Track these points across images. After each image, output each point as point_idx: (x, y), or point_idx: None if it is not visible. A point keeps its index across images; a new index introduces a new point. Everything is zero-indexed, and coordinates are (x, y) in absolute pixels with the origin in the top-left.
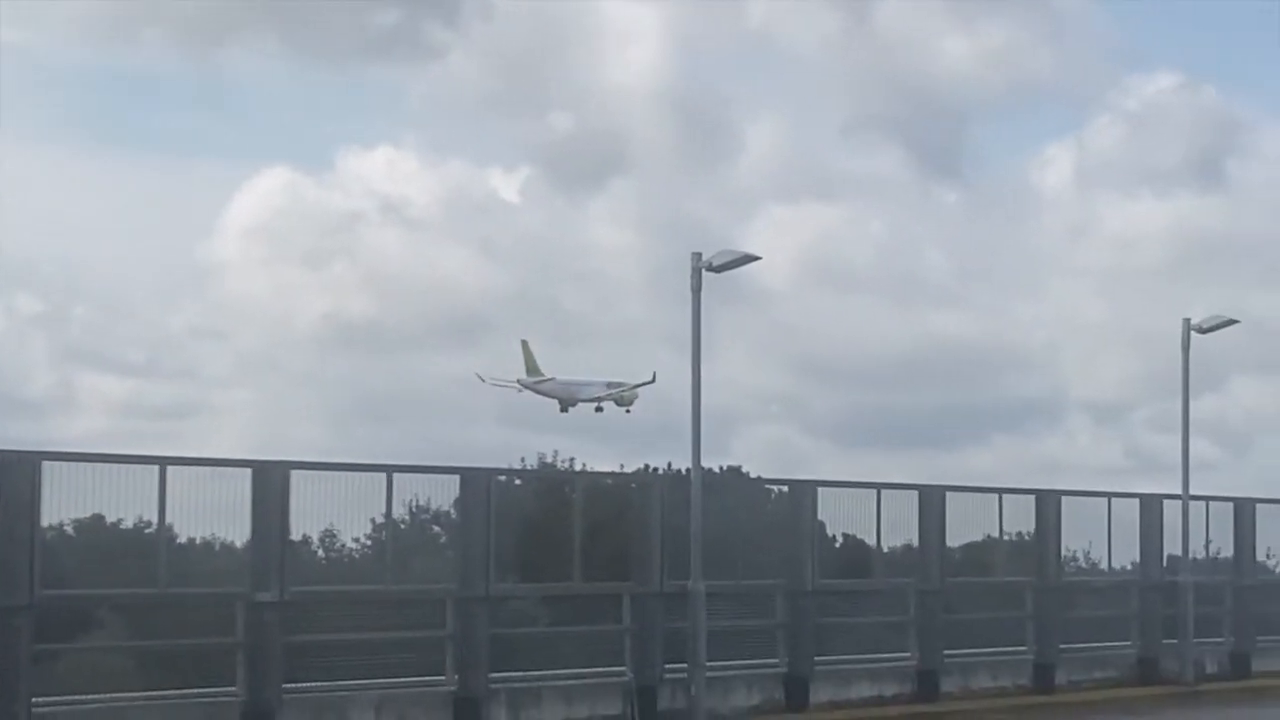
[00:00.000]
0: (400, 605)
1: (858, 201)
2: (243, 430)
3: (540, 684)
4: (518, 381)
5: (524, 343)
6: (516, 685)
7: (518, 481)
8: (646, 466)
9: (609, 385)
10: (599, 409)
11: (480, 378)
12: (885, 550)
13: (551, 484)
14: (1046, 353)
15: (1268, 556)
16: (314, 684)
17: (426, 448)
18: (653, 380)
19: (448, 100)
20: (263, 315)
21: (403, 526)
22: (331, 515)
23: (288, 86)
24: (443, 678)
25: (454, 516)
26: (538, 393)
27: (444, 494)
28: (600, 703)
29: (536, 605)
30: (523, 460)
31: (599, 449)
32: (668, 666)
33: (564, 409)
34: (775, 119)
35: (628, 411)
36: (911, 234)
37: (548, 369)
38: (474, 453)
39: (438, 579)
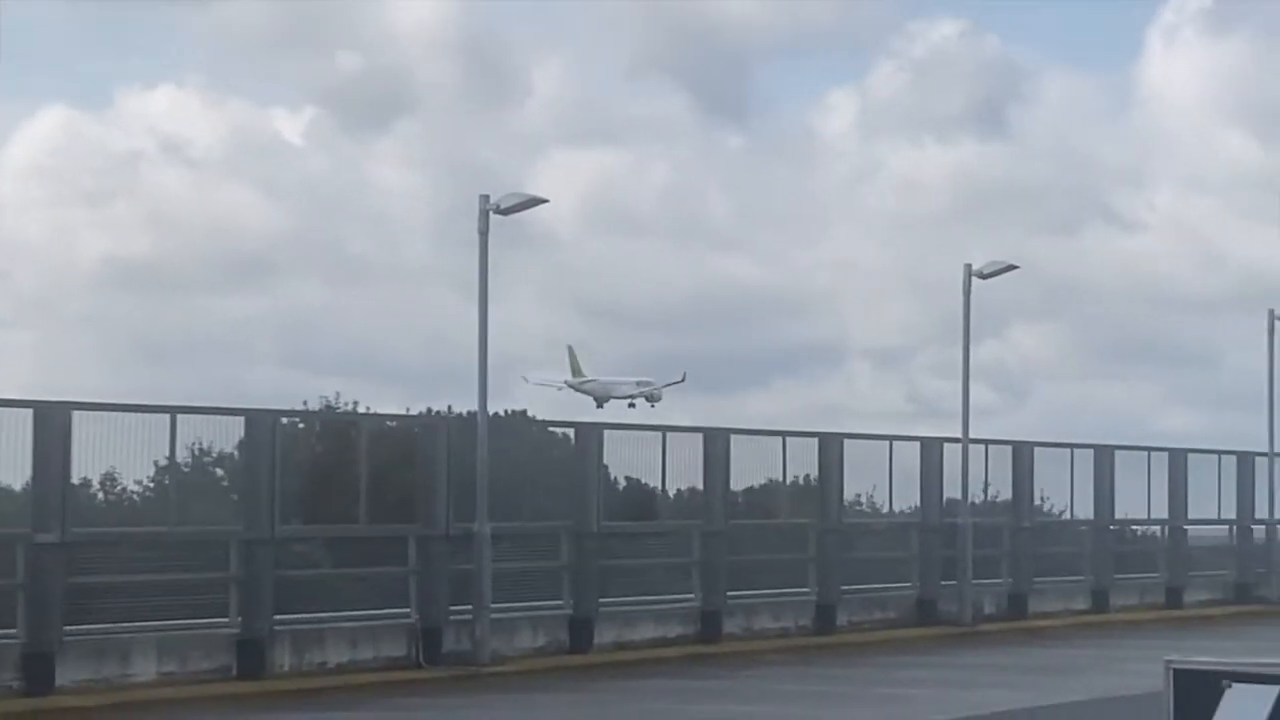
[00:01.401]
0: (183, 547)
1: (643, 145)
2: (23, 372)
3: (325, 626)
4: (565, 383)
5: (570, 348)
6: (301, 627)
7: (302, 424)
8: (429, 410)
9: (638, 384)
10: (631, 405)
11: (525, 378)
12: (670, 493)
13: (337, 426)
14: (829, 297)
15: (1043, 500)
16: (95, 626)
17: (208, 390)
18: (682, 380)
19: (231, 39)
20: (42, 255)
21: (185, 469)
22: (113, 457)
23: (66, 24)
24: (226, 620)
25: (238, 459)
26: (580, 391)
27: (228, 436)
28: (385, 645)
29: (321, 548)
30: (305, 403)
31: (382, 391)
32: (453, 608)
33: (599, 405)
34: (561, 61)
35: (652, 406)
36: (696, 178)
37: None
38: (256, 395)
39: (221, 521)
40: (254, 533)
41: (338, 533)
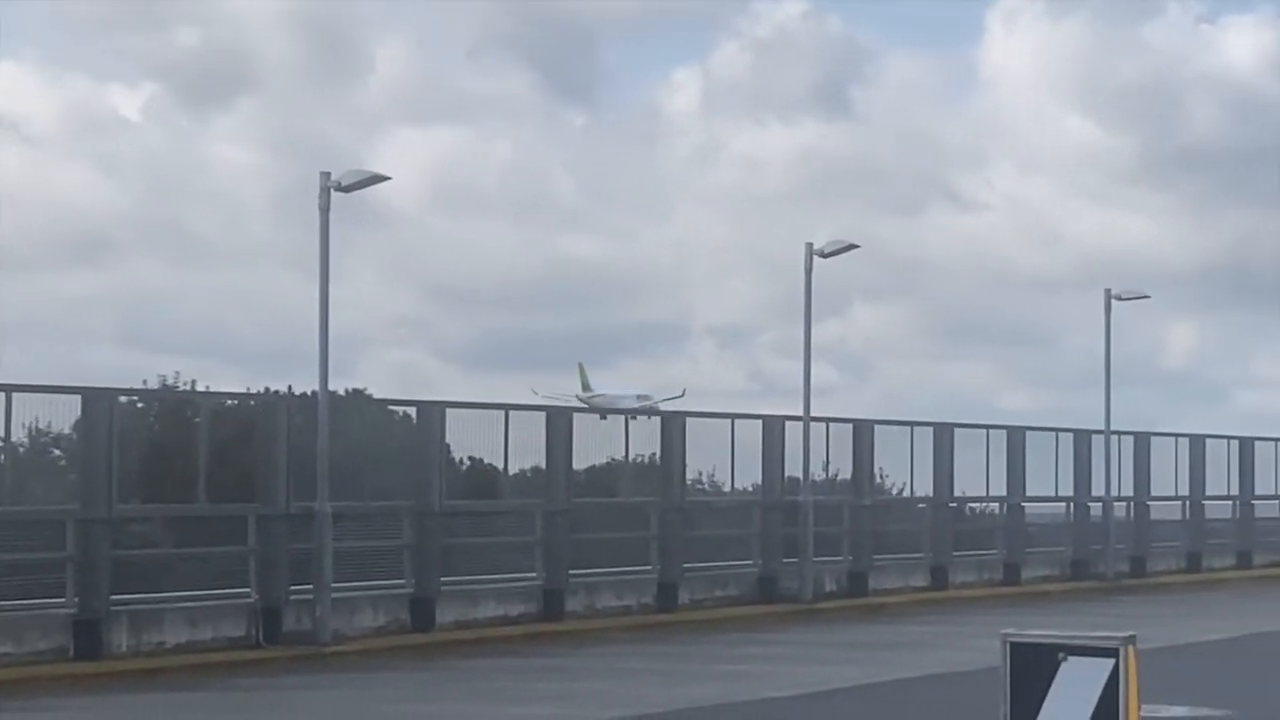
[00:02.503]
0: (19, 527)
1: (486, 123)
2: None
3: (163, 606)
4: (576, 397)
5: (580, 365)
6: (139, 607)
7: (140, 403)
8: (269, 389)
9: (638, 398)
10: (633, 417)
11: (534, 391)
12: (512, 472)
13: (175, 405)
14: (672, 276)
15: (883, 477)
16: None
17: (46, 369)
18: (681, 395)
19: (68, 13)
20: None
21: (22, 449)
22: None
23: None
24: (62, 600)
25: (75, 438)
26: (589, 405)
27: (65, 415)
28: (224, 624)
29: (160, 527)
30: (145, 382)
31: (223, 370)
32: (293, 588)
33: (603, 417)
34: (404, 38)
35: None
36: (540, 157)
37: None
38: (94, 374)
39: (58, 501)
40: (91, 512)
41: (176, 512)
